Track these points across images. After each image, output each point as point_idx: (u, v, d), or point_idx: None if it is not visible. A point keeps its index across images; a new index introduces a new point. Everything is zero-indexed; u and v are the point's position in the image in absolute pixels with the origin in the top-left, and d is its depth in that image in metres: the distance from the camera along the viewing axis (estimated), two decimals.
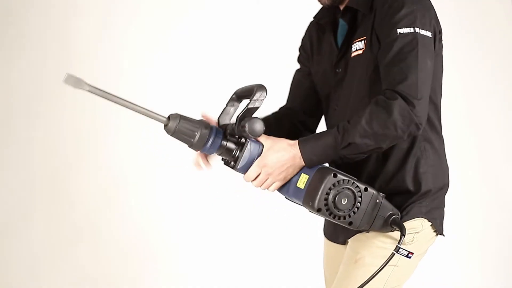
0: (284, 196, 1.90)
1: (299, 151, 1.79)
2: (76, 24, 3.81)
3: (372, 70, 1.84)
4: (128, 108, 1.74)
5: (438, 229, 1.93)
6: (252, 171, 1.80)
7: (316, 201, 1.73)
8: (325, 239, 2.14)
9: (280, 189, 1.86)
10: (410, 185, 1.87)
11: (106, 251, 3.79)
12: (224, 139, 1.80)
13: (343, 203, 1.74)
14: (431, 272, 3.83)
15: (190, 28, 3.88)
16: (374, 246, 1.85)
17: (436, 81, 1.86)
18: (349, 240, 1.96)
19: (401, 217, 1.83)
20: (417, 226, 1.87)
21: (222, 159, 1.88)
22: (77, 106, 3.79)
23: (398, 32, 1.76)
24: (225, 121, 1.87)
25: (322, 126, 2.17)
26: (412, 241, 1.85)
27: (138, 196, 3.83)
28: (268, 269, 3.82)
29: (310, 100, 2.14)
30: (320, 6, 2.07)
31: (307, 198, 1.76)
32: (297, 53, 2.20)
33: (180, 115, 1.77)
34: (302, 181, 1.79)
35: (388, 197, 1.80)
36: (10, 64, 3.78)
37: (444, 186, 1.95)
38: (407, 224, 1.82)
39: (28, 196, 3.78)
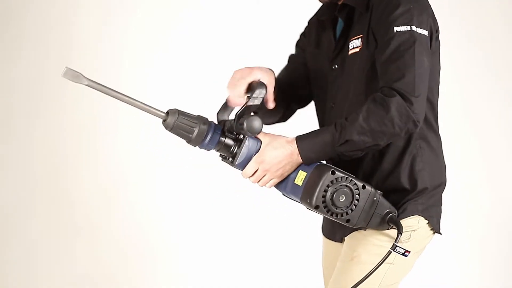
0: (281, 193, 1.90)
1: (296, 148, 1.79)
2: (76, 24, 3.81)
3: (369, 68, 1.85)
4: (127, 102, 1.74)
5: (435, 227, 1.93)
6: (250, 167, 1.80)
7: (314, 198, 1.73)
8: (323, 237, 2.15)
9: (278, 185, 1.86)
10: (406, 183, 1.87)
11: (105, 251, 3.78)
12: (222, 135, 1.81)
13: (341, 200, 1.74)
14: (431, 272, 3.82)
15: (190, 27, 3.88)
16: (370, 244, 1.86)
17: (433, 79, 1.86)
18: (345, 237, 1.96)
19: (398, 215, 1.84)
20: (414, 224, 1.87)
21: (220, 155, 1.88)
22: (77, 106, 3.79)
23: (395, 30, 1.77)
24: (223, 117, 1.88)
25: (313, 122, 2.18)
26: (409, 239, 1.85)
27: (138, 196, 3.83)
28: (268, 269, 3.82)
29: (301, 89, 2.14)
30: (319, 4, 2.08)
31: (305, 195, 1.76)
32: (297, 39, 2.20)
33: (178, 110, 1.78)
34: (300, 178, 1.79)
35: (385, 195, 1.81)
36: (10, 63, 3.78)
37: (441, 184, 1.95)
38: (403, 222, 1.82)
39: (28, 195, 3.78)
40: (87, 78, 1.68)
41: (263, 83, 1.85)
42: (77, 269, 3.76)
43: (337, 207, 1.74)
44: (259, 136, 1.82)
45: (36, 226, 3.76)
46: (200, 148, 1.82)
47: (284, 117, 2.19)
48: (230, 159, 1.83)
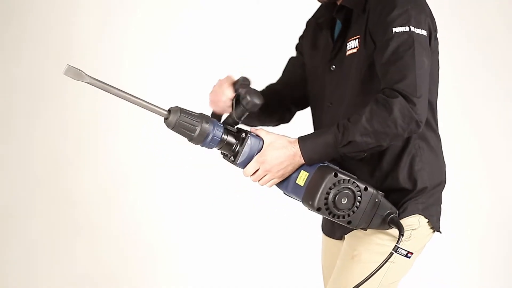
0: (282, 192, 1.89)
1: (299, 150, 1.79)
2: (76, 24, 3.81)
3: (366, 68, 1.85)
4: (129, 101, 1.73)
5: (435, 226, 1.93)
6: (251, 166, 1.80)
7: (316, 200, 1.73)
8: (323, 234, 2.15)
9: (279, 185, 1.86)
10: (406, 183, 1.87)
11: (105, 251, 3.78)
12: (224, 133, 1.80)
13: (343, 202, 1.74)
14: (431, 272, 3.82)
15: (190, 27, 3.88)
16: (371, 243, 1.86)
17: (432, 79, 1.86)
18: (346, 236, 1.97)
19: (398, 214, 1.84)
20: (414, 223, 1.87)
21: (222, 153, 1.87)
22: (78, 106, 3.78)
23: (393, 31, 1.77)
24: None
25: (308, 121, 2.18)
26: (409, 238, 1.86)
27: (138, 196, 3.82)
28: (268, 269, 3.82)
29: (300, 90, 2.14)
30: (318, 4, 2.09)
31: (307, 197, 1.76)
32: (297, 43, 2.21)
33: (181, 108, 1.77)
34: (302, 178, 1.79)
35: (385, 195, 1.81)
36: (10, 63, 3.77)
37: (440, 183, 1.95)
38: (404, 221, 1.83)
39: (28, 195, 3.78)
40: (89, 76, 1.67)
41: (258, 100, 1.83)
42: (77, 269, 3.75)
43: (339, 209, 1.74)
44: (261, 134, 1.82)
45: (36, 226, 3.76)
46: (202, 146, 1.82)
47: (284, 120, 2.20)
48: (232, 157, 1.83)
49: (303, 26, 2.20)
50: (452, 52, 3.80)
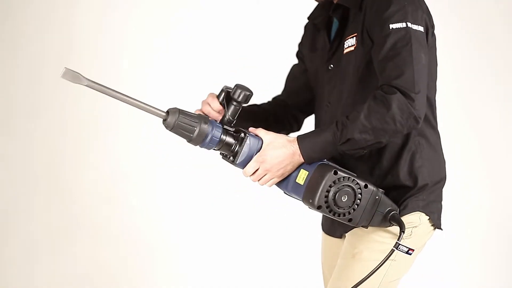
0: (282, 191, 1.89)
1: (298, 148, 1.79)
2: (76, 23, 3.80)
3: (364, 66, 1.85)
4: (127, 103, 1.73)
5: (436, 223, 1.93)
6: (250, 166, 1.80)
7: (316, 198, 1.73)
8: (323, 233, 2.15)
9: (279, 184, 1.86)
10: (406, 180, 1.87)
11: (105, 251, 3.78)
12: (223, 134, 1.80)
13: (343, 200, 1.74)
14: (431, 272, 3.82)
15: (190, 27, 3.87)
16: (372, 240, 1.86)
17: (430, 75, 1.86)
18: (346, 234, 1.97)
19: (399, 212, 1.84)
20: (415, 220, 1.87)
21: (221, 154, 1.87)
22: (78, 106, 3.78)
23: (390, 28, 1.77)
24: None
25: (310, 122, 2.19)
26: (410, 235, 1.85)
27: (138, 195, 3.82)
28: (268, 269, 3.81)
29: (304, 96, 2.16)
30: (315, 4, 2.10)
31: (307, 195, 1.75)
32: (297, 50, 2.22)
33: (179, 109, 1.76)
34: (302, 177, 1.79)
35: (385, 192, 1.81)
36: (10, 62, 3.77)
37: (441, 180, 1.95)
38: (404, 218, 1.83)
39: (27, 195, 3.77)
40: (86, 79, 1.67)
41: (248, 91, 1.83)
42: (77, 269, 3.75)
43: (339, 207, 1.74)
44: (260, 134, 1.81)
45: (36, 226, 3.75)
46: (201, 147, 1.81)
47: (293, 129, 2.22)
48: (231, 158, 1.82)
49: (303, 26, 2.21)
50: (452, 50, 3.80)
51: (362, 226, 1.80)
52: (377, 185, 1.79)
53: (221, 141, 1.79)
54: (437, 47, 1.97)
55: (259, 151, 1.80)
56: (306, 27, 2.18)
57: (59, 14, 3.80)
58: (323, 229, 2.14)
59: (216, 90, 2.00)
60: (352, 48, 1.88)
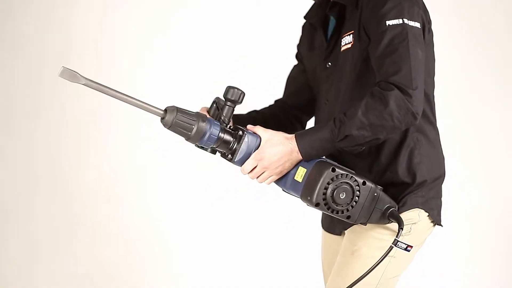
0: (281, 189, 1.89)
1: (296, 146, 1.79)
2: (76, 23, 3.81)
3: (361, 63, 1.86)
4: (124, 101, 1.73)
5: (436, 220, 1.92)
6: (248, 163, 1.80)
7: (315, 196, 1.73)
8: (323, 230, 2.15)
9: (277, 181, 1.86)
10: (405, 176, 1.87)
11: (105, 251, 3.78)
12: (221, 132, 1.79)
13: (341, 197, 1.74)
14: (431, 270, 3.82)
15: (189, 26, 3.88)
16: (371, 237, 1.86)
17: (427, 71, 1.86)
18: (345, 231, 1.97)
19: (398, 208, 1.83)
20: (414, 217, 1.87)
21: (219, 152, 1.87)
22: (77, 105, 3.78)
23: (387, 24, 1.77)
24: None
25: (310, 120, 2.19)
26: (410, 232, 1.85)
27: (138, 195, 3.82)
28: (268, 269, 3.81)
29: (304, 96, 2.17)
30: (312, 3, 2.10)
31: (305, 193, 1.75)
32: (296, 51, 2.23)
33: (177, 107, 1.76)
34: (300, 174, 1.79)
35: (384, 189, 1.81)
36: (10, 61, 3.77)
37: (440, 176, 1.94)
38: (403, 215, 1.83)
39: (27, 194, 3.77)
40: (84, 77, 1.68)
41: (240, 90, 1.84)
42: (76, 269, 3.75)
43: (337, 204, 1.74)
44: (258, 132, 1.82)
45: (36, 225, 3.76)
46: (199, 145, 1.82)
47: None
48: (229, 155, 1.83)
49: (301, 27, 2.21)
50: (452, 48, 3.80)
51: (360, 223, 1.81)
52: (375, 182, 1.79)
53: (219, 139, 1.79)
54: (437, 45, 1.97)
55: (257, 148, 1.80)
56: (303, 27, 2.19)
57: (59, 14, 3.80)
58: (323, 226, 2.15)
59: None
60: (349, 46, 1.88)
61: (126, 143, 3.83)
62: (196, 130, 1.76)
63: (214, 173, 3.69)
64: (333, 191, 1.72)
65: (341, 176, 1.73)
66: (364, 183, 1.75)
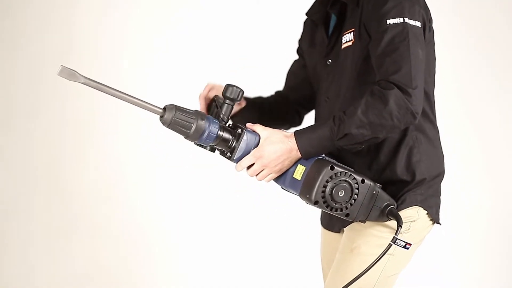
0: (280, 187, 1.89)
1: (295, 144, 1.79)
2: (76, 23, 3.81)
3: (362, 61, 1.86)
4: (123, 100, 1.73)
5: (434, 218, 1.93)
6: (247, 159, 1.80)
7: (314, 193, 1.73)
8: (322, 228, 2.16)
9: (277, 179, 1.86)
10: (404, 175, 1.87)
11: (105, 251, 3.78)
12: (220, 130, 1.80)
13: (340, 195, 1.74)
14: (431, 270, 3.82)
15: (189, 26, 3.88)
16: (370, 235, 1.86)
17: (428, 70, 1.86)
18: (344, 228, 1.97)
19: (397, 206, 1.84)
20: (413, 215, 1.87)
21: (218, 150, 1.87)
22: (77, 106, 3.78)
23: (387, 23, 1.77)
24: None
25: (309, 117, 2.19)
26: (408, 229, 1.85)
27: (138, 195, 3.82)
28: (268, 269, 3.81)
29: (304, 91, 2.18)
30: (314, 0, 2.11)
31: (304, 190, 1.75)
32: (297, 47, 2.24)
33: (176, 106, 1.76)
34: (299, 172, 1.79)
35: (383, 187, 1.81)
36: (10, 60, 3.77)
37: (439, 175, 1.95)
38: (402, 213, 1.83)
39: (27, 193, 3.77)
40: (83, 76, 1.67)
41: (239, 88, 1.87)
42: (76, 269, 3.75)
43: (336, 202, 1.74)
44: (258, 130, 1.82)
45: (35, 225, 3.75)
46: (199, 143, 1.82)
47: (295, 122, 2.24)
48: (228, 153, 1.83)
49: (302, 23, 2.21)
50: (452, 46, 3.80)
51: (359, 221, 1.81)
52: (374, 180, 1.79)
53: (218, 137, 1.79)
54: (437, 44, 1.97)
55: (256, 146, 1.80)
56: (305, 23, 2.19)
57: (59, 14, 3.81)
58: (322, 224, 2.15)
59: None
60: (350, 43, 1.88)
61: (126, 143, 3.83)
62: (195, 128, 1.76)
63: (214, 173, 3.69)
64: (332, 189, 1.73)
65: (340, 174, 1.73)
66: (363, 181, 1.75)
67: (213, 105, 1.91)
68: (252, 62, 3.79)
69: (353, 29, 1.88)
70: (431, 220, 1.92)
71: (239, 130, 1.81)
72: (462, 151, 3.87)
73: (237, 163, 1.82)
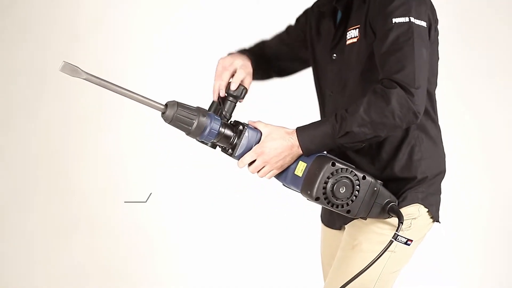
0: (281, 183, 1.89)
1: (297, 140, 1.79)
2: (76, 23, 3.81)
3: (366, 58, 1.86)
4: (125, 96, 1.73)
5: (434, 216, 1.93)
6: (248, 155, 1.80)
7: (315, 190, 1.73)
8: (322, 225, 2.16)
9: (278, 176, 1.86)
10: (405, 173, 1.88)
11: (105, 250, 3.78)
12: (222, 126, 1.80)
13: (341, 192, 1.74)
14: (431, 269, 3.82)
15: (189, 26, 3.88)
16: (371, 232, 1.86)
17: (431, 70, 1.86)
18: (345, 226, 1.97)
19: (398, 203, 1.84)
20: (414, 212, 1.87)
21: (220, 147, 1.87)
22: (78, 103, 3.79)
23: (393, 22, 1.77)
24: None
25: (311, 114, 2.19)
26: (410, 227, 1.86)
27: (138, 195, 3.82)
28: (268, 269, 3.81)
29: (284, 63, 2.23)
30: (314, 2, 2.11)
31: (305, 187, 1.75)
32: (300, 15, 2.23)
33: (177, 102, 1.77)
34: (300, 168, 1.79)
35: (384, 184, 1.81)
36: (11, 58, 3.78)
37: (440, 173, 1.95)
38: (403, 210, 1.83)
39: (27, 190, 3.78)
40: (85, 72, 1.68)
41: (243, 86, 1.90)
42: (76, 268, 3.75)
43: (337, 199, 1.74)
44: (259, 126, 1.82)
45: (35, 224, 3.76)
46: (200, 140, 1.82)
47: (261, 79, 2.25)
48: (230, 150, 1.83)
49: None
50: (454, 45, 3.80)
51: (360, 218, 1.81)
52: (376, 177, 1.79)
53: (219, 133, 1.80)
54: (439, 42, 1.97)
55: (258, 143, 1.80)
56: (307, 11, 2.17)
57: (59, 14, 3.81)
58: (323, 221, 2.15)
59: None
60: (355, 40, 1.88)
61: (126, 143, 3.83)
62: (197, 125, 1.76)
63: (214, 172, 3.70)
64: (333, 185, 1.73)
65: (341, 171, 1.73)
66: (364, 178, 1.75)
67: (214, 102, 1.91)
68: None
69: (359, 25, 1.87)
70: (431, 218, 1.93)
71: (241, 127, 1.81)
72: (463, 150, 3.87)
73: (238, 159, 1.82)
